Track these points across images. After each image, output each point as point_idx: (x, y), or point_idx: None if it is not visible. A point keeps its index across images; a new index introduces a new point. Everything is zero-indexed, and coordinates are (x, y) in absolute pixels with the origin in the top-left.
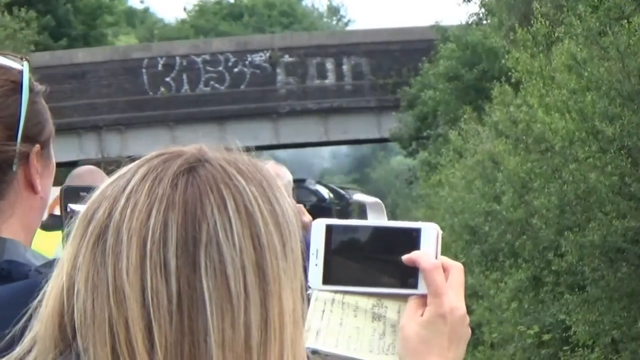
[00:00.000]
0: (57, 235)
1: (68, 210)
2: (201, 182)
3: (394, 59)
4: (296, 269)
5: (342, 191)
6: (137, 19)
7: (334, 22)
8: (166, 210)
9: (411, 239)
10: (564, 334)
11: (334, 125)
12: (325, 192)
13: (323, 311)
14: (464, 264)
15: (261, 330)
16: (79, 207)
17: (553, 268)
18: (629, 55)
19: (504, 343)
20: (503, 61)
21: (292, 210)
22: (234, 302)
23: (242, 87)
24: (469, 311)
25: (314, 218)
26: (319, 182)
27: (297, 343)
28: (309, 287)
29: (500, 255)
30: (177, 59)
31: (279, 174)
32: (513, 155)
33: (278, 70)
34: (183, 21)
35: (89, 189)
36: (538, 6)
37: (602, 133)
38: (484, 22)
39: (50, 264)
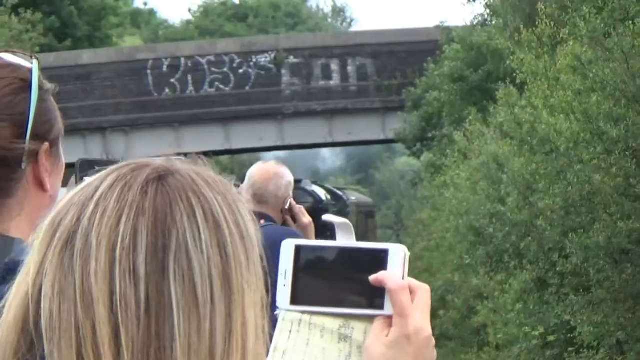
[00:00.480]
0: None
1: None
2: (171, 190)
3: (399, 60)
4: (258, 283)
5: (339, 192)
6: (142, 20)
7: (339, 23)
8: (136, 216)
9: (379, 260)
10: (568, 335)
11: (339, 127)
12: (322, 193)
13: (290, 331)
14: (469, 265)
15: (225, 339)
16: None
17: (558, 269)
18: (634, 56)
19: (509, 344)
20: (508, 62)
21: (253, 225)
22: (200, 309)
23: (247, 88)
24: (474, 312)
25: (313, 220)
26: (315, 183)
27: (259, 357)
28: (277, 308)
29: (505, 256)
30: (182, 60)
31: (279, 173)
32: (518, 157)
33: (283, 71)
34: (188, 22)
35: (104, 162)
36: (543, 7)
37: (607, 134)
38: (489, 23)
39: None
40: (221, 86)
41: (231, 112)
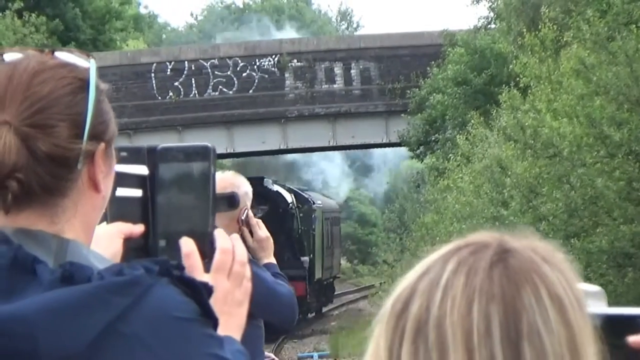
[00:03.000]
0: None
1: None
2: (514, 273)
3: (403, 64)
4: (596, 349)
5: (304, 195)
6: (145, 24)
7: (345, 27)
8: (487, 302)
9: (635, 325)
10: None
11: (342, 130)
12: (288, 195)
13: None
14: None
15: None
16: (120, 168)
17: None
18: (638, 60)
19: None
20: (511, 66)
21: (582, 291)
22: None
23: (251, 91)
24: None
25: (276, 225)
26: (277, 182)
27: None
28: None
29: None
30: (186, 64)
31: (235, 183)
32: (521, 160)
33: (286, 74)
34: (191, 26)
35: (127, 149)
36: (546, 11)
37: (610, 138)
38: (493, 25)
39: (113, 269)
40: (225, 89)
41: (234, 116)
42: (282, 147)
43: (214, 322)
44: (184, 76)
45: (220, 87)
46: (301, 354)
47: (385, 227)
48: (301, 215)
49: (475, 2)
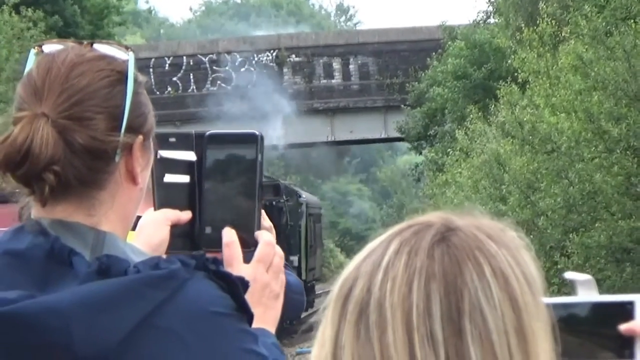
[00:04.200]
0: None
1: (158, 157)
2: (457, 251)
3: (401, 59)
4: (547, 330)
5: (292, 187)
6: (143, 19)
7: (343, 22)
8: (427, 281)
9: (626, 311)
10: None
11: (340, 125)
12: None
13: None
14: None
15: None
16: (168, 154)
17: (559, 268)
18: (635, 55)
19: None
20: (510, 61)
21: (536, 269)
22: None
23: (249, 86)
24: None
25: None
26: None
27: None
28: None
29: None
30: (184, 59)
31: None
32: (519, 156)
33: (285, 69)
34: (189, 21)
35: (177, 135)
36: (544, 6)
37: (608, 133)
38: (491, 20)
39: (150, 262)
40: (223, 85)
41: (233, 111)
42: (280, 143)
43: (249, 317)
44: (182, 71)
45: (218, 82)
46: (300, 349)
47: (384, 223)
48: (288, 210)
49: None
